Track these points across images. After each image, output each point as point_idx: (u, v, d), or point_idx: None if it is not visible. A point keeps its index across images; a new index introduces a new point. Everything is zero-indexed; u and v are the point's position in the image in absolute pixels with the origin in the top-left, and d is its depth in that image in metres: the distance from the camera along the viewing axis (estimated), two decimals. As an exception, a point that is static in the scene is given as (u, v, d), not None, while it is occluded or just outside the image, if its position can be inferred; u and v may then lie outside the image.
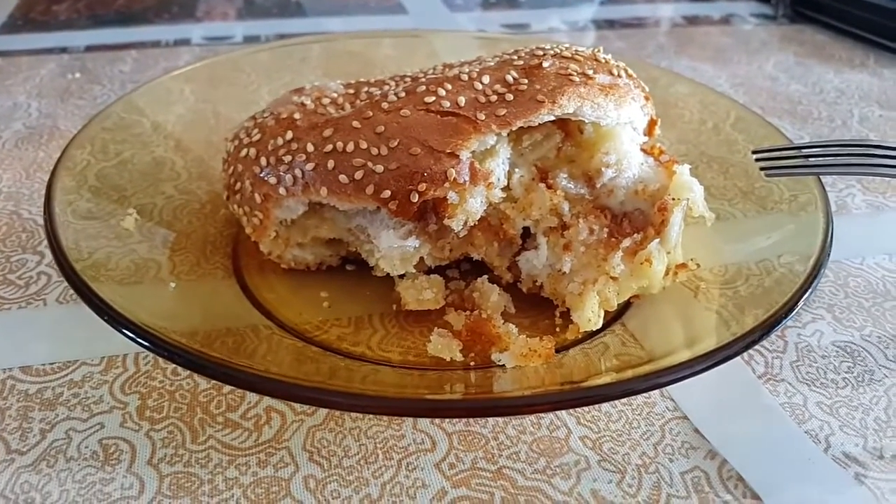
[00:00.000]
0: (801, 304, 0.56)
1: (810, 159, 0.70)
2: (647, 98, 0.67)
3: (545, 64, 0.63)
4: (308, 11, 1.46)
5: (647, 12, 1.52)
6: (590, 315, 0.60)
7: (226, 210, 0.73)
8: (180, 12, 1.42)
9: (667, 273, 0.63)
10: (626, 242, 0.61)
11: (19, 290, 0.69)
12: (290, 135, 0.62)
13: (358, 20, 1.43)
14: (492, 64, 0.65)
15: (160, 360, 0.61)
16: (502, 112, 0.60)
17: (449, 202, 0.59)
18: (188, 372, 0.60)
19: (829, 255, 0.61)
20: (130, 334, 0.51)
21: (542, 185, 0.62)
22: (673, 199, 0.62)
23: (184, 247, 0.69)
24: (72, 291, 0.67)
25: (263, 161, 0.62)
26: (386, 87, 0.67)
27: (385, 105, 0.61)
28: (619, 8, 1.55)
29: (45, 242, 0.74)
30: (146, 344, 0.51)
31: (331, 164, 0.59)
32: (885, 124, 1.07)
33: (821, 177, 0.71)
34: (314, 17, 1.44)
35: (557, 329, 0.64)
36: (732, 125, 0.86)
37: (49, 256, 0.73)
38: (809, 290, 0.57)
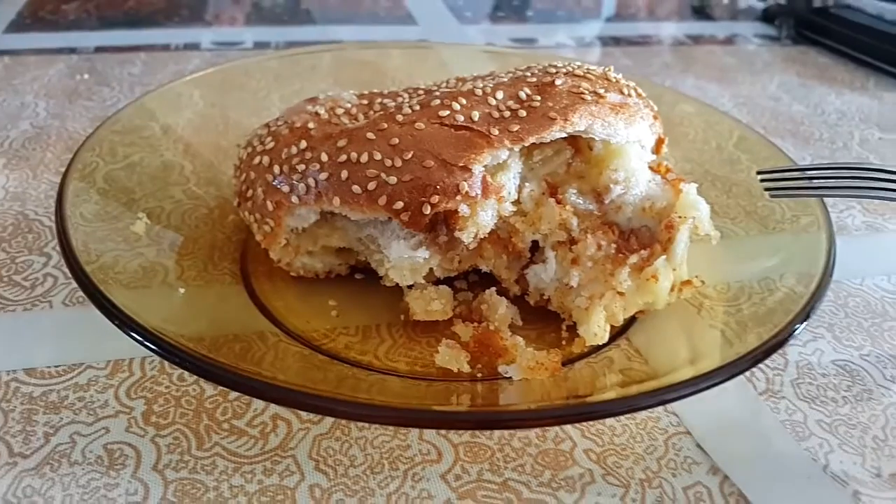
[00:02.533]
0: (803, 326, 0.57)
1: (813, 181, 0.71)
2: (655, 117, 0.68)
3: (558, 82, 0.64)
4: (317, 19, 1.47)
5: (652, 30, 1.53)
6: (596, 329, 0.61)
7: (234, 216, 0.73)
8: (189, 15, 1.42)
9: (672, 289, 0.63)
10: (633, 258, 0.62)
11: (25, 291, 0.69)
12: (303, 144, 0.63)
13: (368, 29, 1.43)
14: (505, 80, 0.66)
15: (166, 364, 0.61)
16: (515, 128, 0.60)
17: (460, 215, 0.60)
18: (194, 377, 0.60)
19: (831, 276, 0.62)
20: (140, 339, 0.52)
21: (552, 200, 0.63)
22: (679, 217, 0.63)
23: (191, 252, 0.70)
24: (78, 294, 0.68)
25: (276, 169, 0.63)
26: (400, 100, 0.67)
27: (399, 117, 0.62)
28: (626, 25, 1.56)
29: (52, 244, 0.75)
30: (156, 349, 0.51)
31: (344, 174, 0.60)
32: (885, 147, 1.08)
33: (824, 200, 0.72)
34: (324, 24, 1.45)
35: (564, 342, 0.64)
36: (735, 144, 0.87)
37: (55, 258, 0.73)
38: (811, 312, 0.58)
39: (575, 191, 0.64)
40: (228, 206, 0.75)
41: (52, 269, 0.72)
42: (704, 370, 0.53)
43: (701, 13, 1.65)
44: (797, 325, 0.57)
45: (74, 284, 0.58)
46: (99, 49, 1.24)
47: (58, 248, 0.71)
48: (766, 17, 1.59)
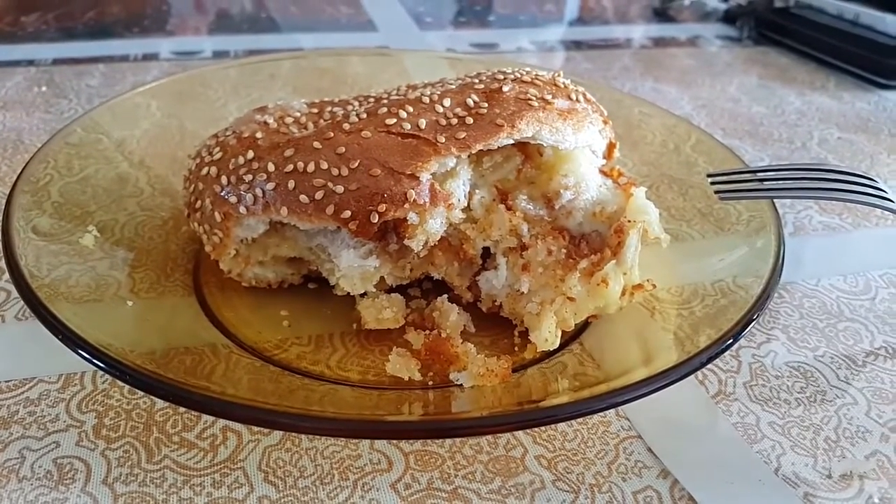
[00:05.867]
0: (751, 326, 0.57)
1: (764, 183, 0.72)
2: (605, 122, 0.68)
3: (505, 88, 0.64)
4: (279, 27, 1.47)
5: (614, 34, 1.54)
6: (547, 335, 0.61)
7: (188, 227, 0.73)
8: (151, 26, 1.41)
9: (623, 294, 0.63)
10: (584, 263, 0.62)
11: (-24, 306, 0.68)
12: (251, 154, 0.63)
13: (329, 37, 1.43)
14: (453, 87, 0.66)
15: (118, 378, 0.61)
16: (462, 135, 0.60)
17: (409, 223, 0.60)
18: (145, 390, 0.60)
19: (779, 277, 0.63)
20: (85, 354, 0.51)
21: (502, 207, 0.63)
22: (629, 221, 0.63)
23: (144, 264, 0.69)
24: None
25: (224, 180, 0.63)
26: (349, 108, 0.67)
27: (346, 126, 0.62)
28: (588, 29, 1.57)
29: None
30: (101, 364, 0.51)
31: (291, 183, 0.60)
32: (843, 146, 1.09)
33: (775, 201, 0.72)
34: (285, 33, 1.44)
35: (516, 348, 0.64)
36: (693, 147, 0.88)
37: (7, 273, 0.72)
38: (760, 312, 0.58)
39: (525, 197, 0.64)
40: (182, 218, 0.74)
41: (4, 283, 0.71)
42: (654, 372, 0.53)
43: (663, 16, 1.67)
44: (745, 327, 0.57)
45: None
46: (57, 61, 1.24)
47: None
48: (728, 17, 1.61)
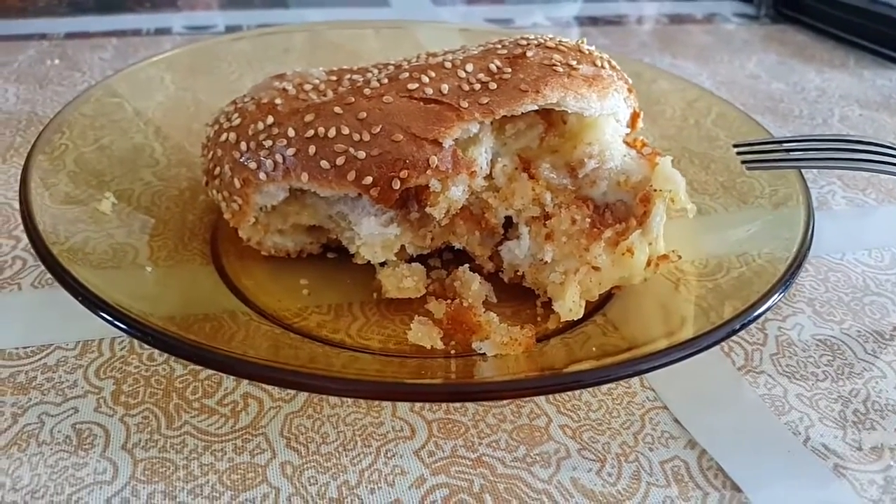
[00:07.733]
0: (779, 295, 0.56)
1: (791, 153, 0.71)
2: (630, 90, 0.67)
3: (529, 54, 0.63)
4: (290, 2, 1.45)
5: (630, 10, 1.52)
6: (571, 305, 0.60)
7: (205, 196, 0.72)
8: (162, 1, 1.40)
9: (648, 264, 0.62)
10: (608, 233, 0.61)
11: (-7, 274, 0.68)
12: (270, 119, 0.62)
13: (341, 12, 1.42)
14: (476, 53, 0.65)
15: (136, 344, 0.60)
16: (485, 100, 0.59)
17: (431, 190, 0.59)
18: (164, 357, 0.59)
19: (809, 247, 0.61)
20: (106, 316, 0.51)
21: (525, 175, 0.62)
22: (655, 190, 0.62)
23: (162, 233, 0.69)
24: (47, 276, 0.66)
25: (243, 146, 0.62)
26: (369, 75, 0.66)
27: (367, 91, 0.61)
28: (603, 5, 1.55)
29: (21, 227, 0.73)
30: (121, 325, 0.50)
31: (312, 149, 0.59)
32: (865, 123, 1.08)
33: (802, 172, 0.71)
34: (296, 8, 1.43)
35: (539, 319, 0.64)
36: (714, 121, 0.87)
37: (24, 241, 0.71)
38: (789, 282, 0.57)
39: (548, 165, 0.63)
40: (199, 188, 0.73)
41: (20, 251, 0.71)
42: (678, 341, 0.52)
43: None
44: (773, 297, 0.56)
45: (43, 267, 0.56)
46: (70, 35, 1.22)
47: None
48: (746, -5, 1.59)
